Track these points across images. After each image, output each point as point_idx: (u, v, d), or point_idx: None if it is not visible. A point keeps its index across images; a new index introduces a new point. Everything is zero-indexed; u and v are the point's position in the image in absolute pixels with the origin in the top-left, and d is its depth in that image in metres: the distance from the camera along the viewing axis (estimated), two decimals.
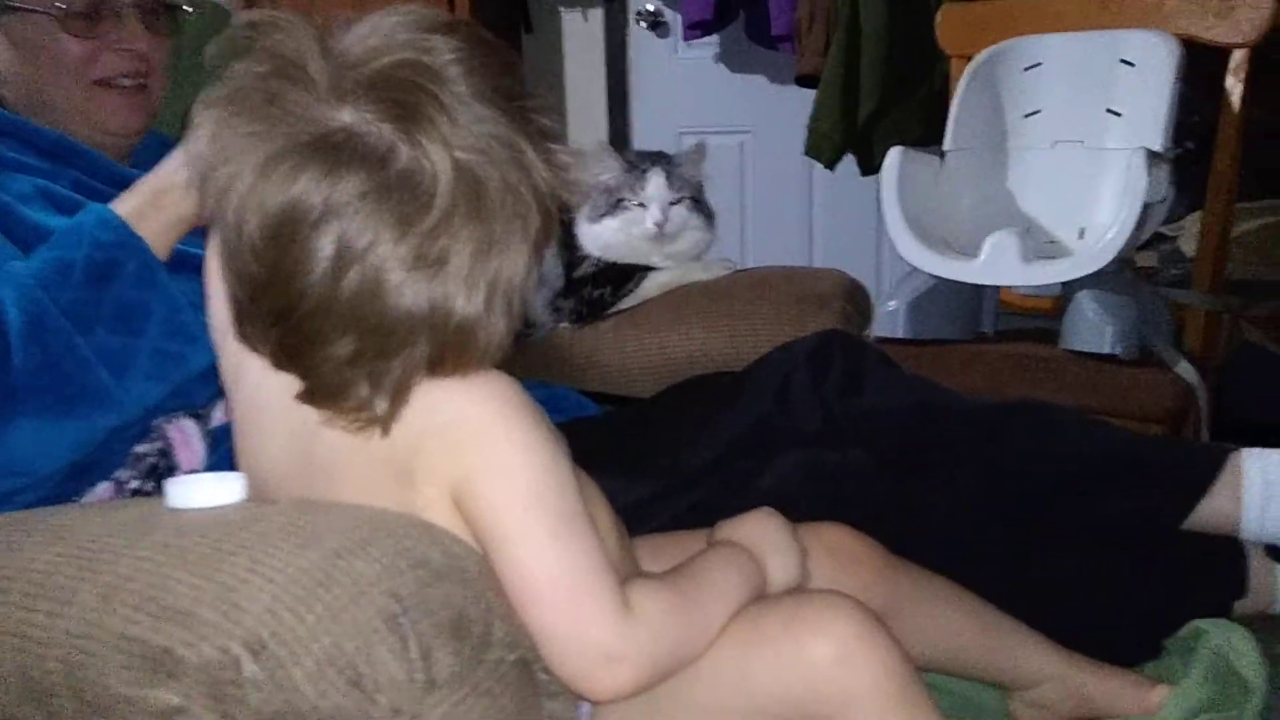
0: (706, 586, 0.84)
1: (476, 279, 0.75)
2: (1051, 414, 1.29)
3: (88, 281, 1.07)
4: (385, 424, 0.78)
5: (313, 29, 0.77)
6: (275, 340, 0.78)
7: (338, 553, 0.73)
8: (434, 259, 0.74)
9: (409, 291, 0.74)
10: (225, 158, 0.74)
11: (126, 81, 1.27)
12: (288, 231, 0.73)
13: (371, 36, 0.76)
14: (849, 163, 2.96)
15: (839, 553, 1.01)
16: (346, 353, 0.76)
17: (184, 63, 1.39)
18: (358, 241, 0.73)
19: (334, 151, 0.73)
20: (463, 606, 0.74)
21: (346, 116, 0.74)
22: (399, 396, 0.77)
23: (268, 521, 0.78)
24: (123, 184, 1.24)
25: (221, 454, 1.15)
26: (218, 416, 1.19)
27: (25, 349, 1.03)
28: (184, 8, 1.33)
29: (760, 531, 0.91)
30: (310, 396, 0.79)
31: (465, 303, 0.75)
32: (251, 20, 0.77)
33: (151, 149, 1.34)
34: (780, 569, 0.90)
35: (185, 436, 1.18)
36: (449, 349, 0.76)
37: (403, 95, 0.74)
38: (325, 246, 0.73)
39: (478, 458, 0.78)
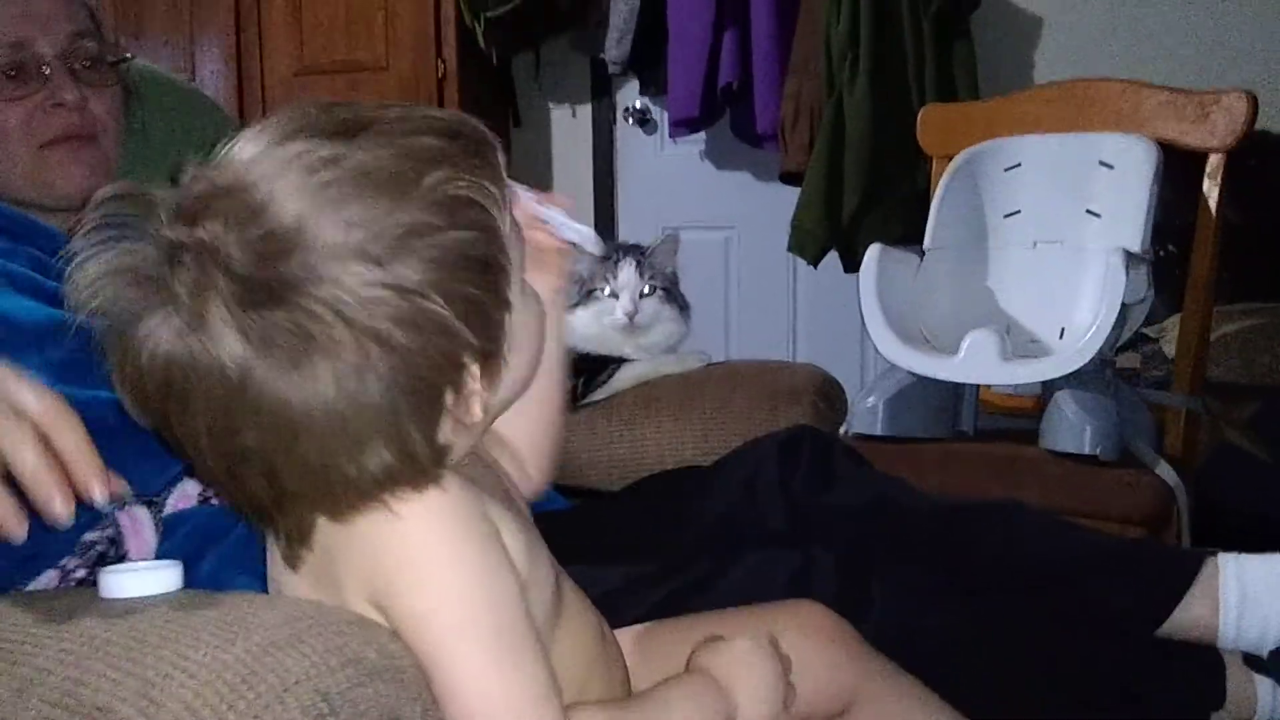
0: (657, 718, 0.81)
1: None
2: (1021, 513, 1.27)
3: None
4: (290, 559, 0.77)
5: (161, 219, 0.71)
6: None
7: (265, 648, 0.70)
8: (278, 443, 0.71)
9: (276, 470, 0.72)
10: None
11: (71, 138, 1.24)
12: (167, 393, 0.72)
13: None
14: (833, 260, 2.97)
15: (812, 630, 0.99)
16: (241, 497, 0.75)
17: (154, 141, 1.38)
18: (222, 423, 0.71)
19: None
20: (395, 707, 0.71)
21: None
22: (297, 541, 0.76)
23: (198, 614, 0.75)
24: None
25: (174, 542, 1.12)
26: (172, 503, 1.16)
27: None
28: (124, 59, 1.30)
29: (737, 662, 0.87)
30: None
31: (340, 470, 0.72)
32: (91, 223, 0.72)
33: None
34: (752, 701, 0.86)
35: (136, 524, 1.14)
36: (333, 502, 0.73)
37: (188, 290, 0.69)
38: (200, 421, 0.72)
39: (401, 576, 0.74)
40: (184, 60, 3.62)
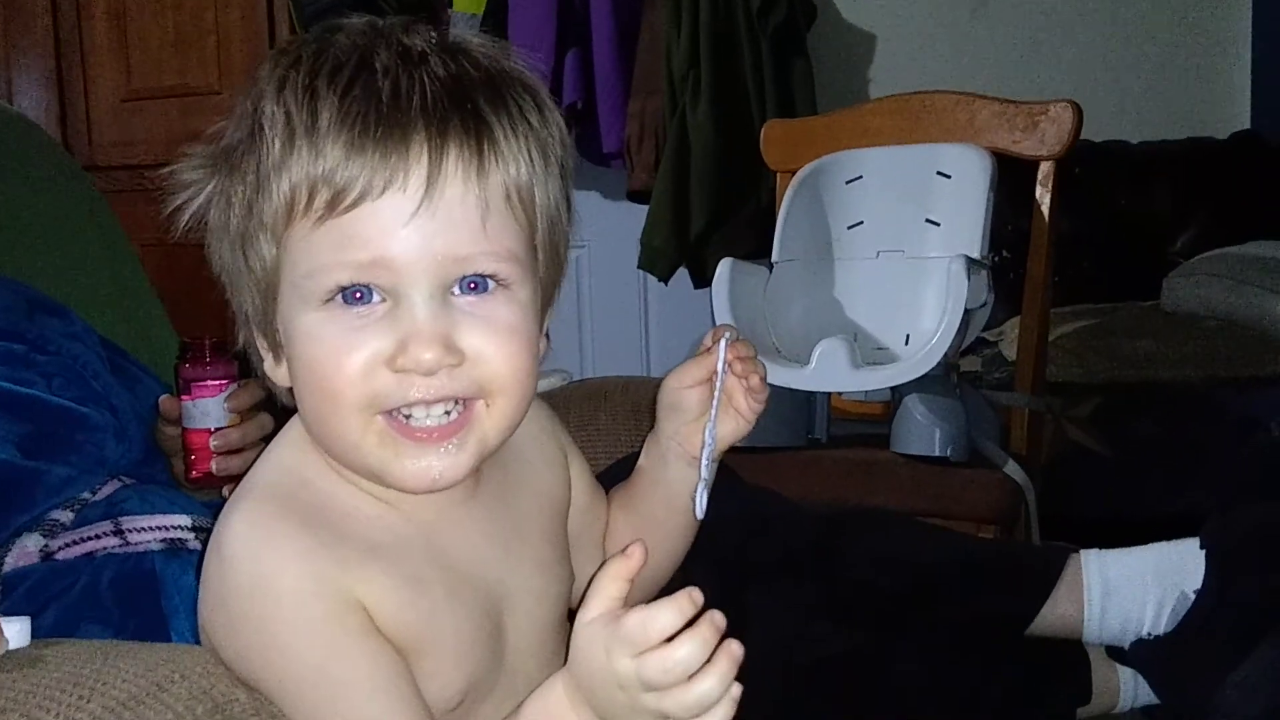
0: None
1: None
2: (890, 521, 1.29)
3: None
4: None
5: None
6: None
7: (124, 703, 0.66)
8: None
9: None
10: None
11: None
12: None
13: None
14: (682, 275, 2.99)
15: None
16: None
17: None
18: None
19: None
20: None
21: None
22: None
23: (48, 671, 0.71)
24: None
25: (15, 600, 1.06)
26: (11, 561, 1.10)
27: None
28: None
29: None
30: None
31: None
32: None
33: None
34: None
35: None
36: None
37: None
38: None
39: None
40: (1, 87, 3.46)
